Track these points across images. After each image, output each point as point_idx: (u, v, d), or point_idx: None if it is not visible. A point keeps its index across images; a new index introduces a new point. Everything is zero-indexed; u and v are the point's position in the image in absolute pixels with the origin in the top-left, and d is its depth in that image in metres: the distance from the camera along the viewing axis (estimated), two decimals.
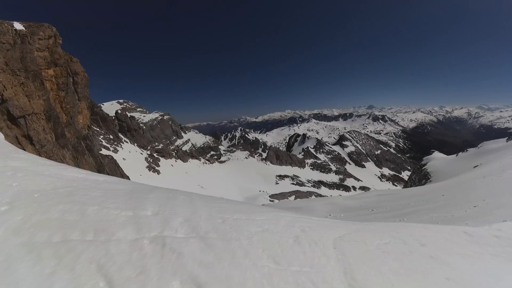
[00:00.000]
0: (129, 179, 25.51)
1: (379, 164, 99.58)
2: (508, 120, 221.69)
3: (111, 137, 46.51)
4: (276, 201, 37.59)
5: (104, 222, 2.13)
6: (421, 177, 41.49)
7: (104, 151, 36.15)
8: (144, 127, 66.38)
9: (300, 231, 2.85)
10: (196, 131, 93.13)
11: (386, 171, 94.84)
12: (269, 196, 43.29)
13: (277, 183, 57.79)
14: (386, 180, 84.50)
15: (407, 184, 48.46)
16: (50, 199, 2.56)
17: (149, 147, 56.22)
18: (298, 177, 64.87)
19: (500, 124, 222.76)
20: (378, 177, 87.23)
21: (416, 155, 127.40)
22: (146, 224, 2.21)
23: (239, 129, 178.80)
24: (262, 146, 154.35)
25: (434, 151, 51.96)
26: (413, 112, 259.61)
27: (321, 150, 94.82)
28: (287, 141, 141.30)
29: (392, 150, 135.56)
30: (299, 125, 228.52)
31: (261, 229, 2.70)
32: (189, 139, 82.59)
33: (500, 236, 3.92)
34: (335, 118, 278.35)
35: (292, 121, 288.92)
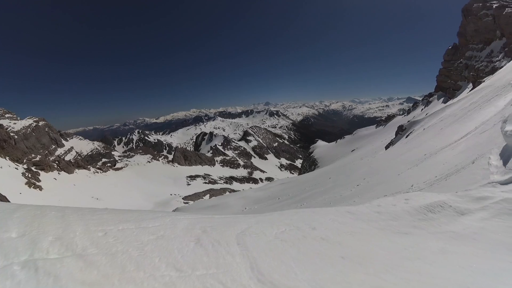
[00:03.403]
0: (7, 199, 21.77)
1: (277, 155, 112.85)
2: (376, 111, 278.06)
3: None
4: (191, 202, 36.08)
5: None
6: (310, 164, 49.29)
7: None
8: (16, 137, 52.82)
9: (202, 232, 2.76)
10: (81, 137, 79.00)
11: (284, 161, 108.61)
12: (183, 198, 41.05)
13: (189, 184, 55.77)
14: (285, 169, 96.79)
15: (301, 171, 56.62)
16: None
17: (25, 160, 44.47)
18: (209, 175, 64.73)
19: (369, 114, 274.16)
20: (278, 167, 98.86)
21: (304, 145, 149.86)
22: (13, 248, 1.98)
23: (136, 131, 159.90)
24: (167, 148, 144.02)
25: (318, 140, 62.45)
26: (300, 107, 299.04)
27: (229, 146, 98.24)
28: (195, 140, 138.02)
29: (286, 141, 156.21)
30: (205, 123, 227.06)
31: (154, 237, 2.48)
32: (72, 147, 69.87)
33: (381, 211, 4.32)
34: (239, 115, 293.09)
35: (198, 120, 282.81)
